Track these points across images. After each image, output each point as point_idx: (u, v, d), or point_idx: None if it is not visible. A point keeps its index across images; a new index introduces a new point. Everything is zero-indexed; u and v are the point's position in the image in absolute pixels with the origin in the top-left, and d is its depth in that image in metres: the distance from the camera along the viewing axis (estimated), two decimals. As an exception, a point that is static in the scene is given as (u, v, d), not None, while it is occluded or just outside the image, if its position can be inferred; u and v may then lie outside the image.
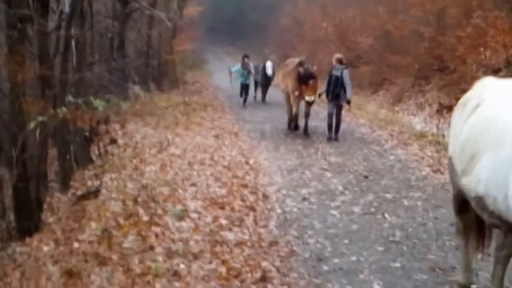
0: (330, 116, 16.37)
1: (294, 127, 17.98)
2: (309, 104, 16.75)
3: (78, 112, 7.76)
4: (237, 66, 26.41)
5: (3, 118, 12.35)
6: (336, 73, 16.05)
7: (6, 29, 11.64)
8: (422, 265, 7.36)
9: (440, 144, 14.70)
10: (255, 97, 27.33)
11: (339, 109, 16.36)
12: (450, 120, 18.51)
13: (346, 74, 16.09)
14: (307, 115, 17.26)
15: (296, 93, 16.86)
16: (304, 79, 16.35)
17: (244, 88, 25.75)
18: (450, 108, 19.80)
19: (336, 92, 16.03)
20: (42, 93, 12.53)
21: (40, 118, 8.49)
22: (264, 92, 27.11)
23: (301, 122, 17.64)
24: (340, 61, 16.34)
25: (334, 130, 16.34)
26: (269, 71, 25.90)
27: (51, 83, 12.59)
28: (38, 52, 12.79)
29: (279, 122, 19.58)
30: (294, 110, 17.60)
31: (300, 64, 17.00)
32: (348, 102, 16.23)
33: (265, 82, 26.55)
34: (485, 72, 19.09)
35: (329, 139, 16.23)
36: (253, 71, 25.70)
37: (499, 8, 20.44)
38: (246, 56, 26.13)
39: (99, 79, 19.85)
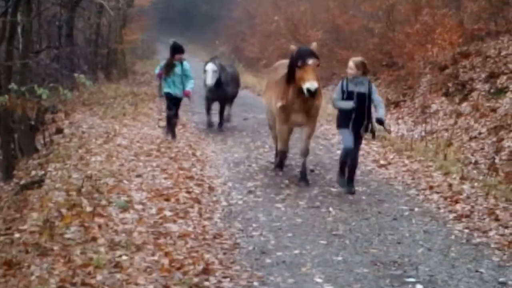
0: (348, 152, 10.35)
1: (279, 165, 12.16)
2: (310, 118, 11.13)
3: (19, 100, 7.64)
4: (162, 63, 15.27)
5: None
6: (358, 88, 10.20)
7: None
8: (364, 258, 7.43)
9: (386, 140, 14.86)
10: (210, 123, 17.55)
11: (358, 142, 10.59)
12: (397, 115, 18.75)
13: (375, 88, 10.61)
14: (305, 152, 11.29)
15: (280, 103, 10.94)
16: (301, 58, 10.29)
17: (172, 101, 14.94)
18: (397, 104, 20.10)
19: (359, 118, 10.22)
20: (-15, 80, 12.32)
21: (-19, 106, 8.33)
22: (220, 111, 17.48)
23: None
24: (364, 68, 10.43)
25: (348, 175, 10.59)
26: (208, 79, 16.11)
27: (-5, 70, 12.39)
28: (-18, 38, 12.57)
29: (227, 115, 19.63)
30: (281, 142, 11.68)
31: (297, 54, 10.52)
32: (382, 122, 10.28)
33: (214, 95, 16.81)
34: (432, 69, 19.46)
35: (351, 192, 10.49)
36: (190, 74, 14.85)
37: (447, 6, 20.81)
38: (176, 47, 14.93)
39: (46, 67, 19.61)
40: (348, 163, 10.44)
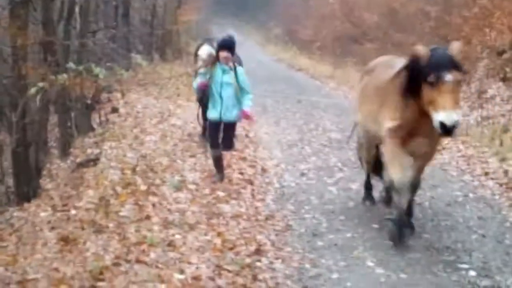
0: None
1: (397, 234, 7.22)
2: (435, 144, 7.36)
3: (77, 79, 7.77)
4: (202, 73, 9.72)
5: (4, 82, 12.38)
6: None
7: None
8: (416, 243, 7.36)
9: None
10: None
11: None
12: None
13: None
14: (415, 186, 7.49)
15: (391, 124, 7.03)
16: (434, 72, 6.29)
17: (215, 131, 9.54)
18: (452, 89, 19.77)
19: None
20: (44, 58, 12.54)
21: (40, 84, 8.50)
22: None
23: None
24: None
25: None
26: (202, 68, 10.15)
27: (53, 49, 12.58)
28: (41, 17, 12.79)
29: (281, 97, 19.56)
30: (395, 172, 7.14)
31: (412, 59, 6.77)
32: None
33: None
34: (490, 53, 19.09)
35: None
36: (247, 87, 9.41)
37: (507, -11, 20.36)
38: (227, 42, 9.39)
39: (102, 47, 19.83)
40: None
